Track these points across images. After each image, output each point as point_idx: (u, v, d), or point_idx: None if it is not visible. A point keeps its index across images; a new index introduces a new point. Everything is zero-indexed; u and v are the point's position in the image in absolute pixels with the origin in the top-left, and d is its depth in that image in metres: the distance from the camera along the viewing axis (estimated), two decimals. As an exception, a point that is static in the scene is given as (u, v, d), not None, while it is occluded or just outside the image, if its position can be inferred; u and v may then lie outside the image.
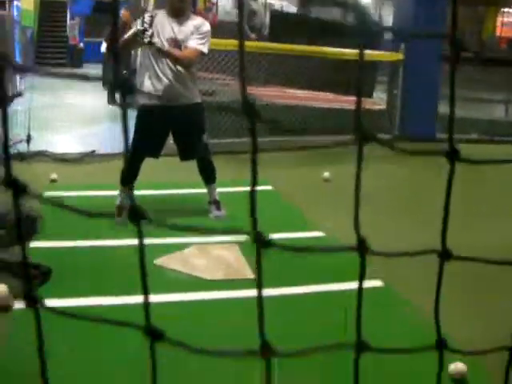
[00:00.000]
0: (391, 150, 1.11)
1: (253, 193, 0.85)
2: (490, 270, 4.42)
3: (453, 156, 1.02)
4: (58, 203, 0.93)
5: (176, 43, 5.39)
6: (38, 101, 10.18)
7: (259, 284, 0.92)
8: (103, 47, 17.01)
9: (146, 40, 5.19)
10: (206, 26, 5.51)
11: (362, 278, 0.96)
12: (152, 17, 5.28)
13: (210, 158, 5.73)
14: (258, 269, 0.89)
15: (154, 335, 0.94)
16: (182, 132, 5.57)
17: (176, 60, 5.36)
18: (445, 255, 1.10)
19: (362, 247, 0.96)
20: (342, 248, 0.98)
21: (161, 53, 5.30)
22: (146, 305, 0.94)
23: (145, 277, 0.92)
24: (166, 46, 5.34)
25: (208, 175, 5.74)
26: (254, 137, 0.88)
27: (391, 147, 1.03)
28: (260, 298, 0.95)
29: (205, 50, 5.45)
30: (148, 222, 0.92)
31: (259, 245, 0.89)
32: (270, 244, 0.90)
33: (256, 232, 0.89)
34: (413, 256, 1.14)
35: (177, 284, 4.31)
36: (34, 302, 0.90)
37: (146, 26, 5.17)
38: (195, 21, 5.50)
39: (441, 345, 1.15)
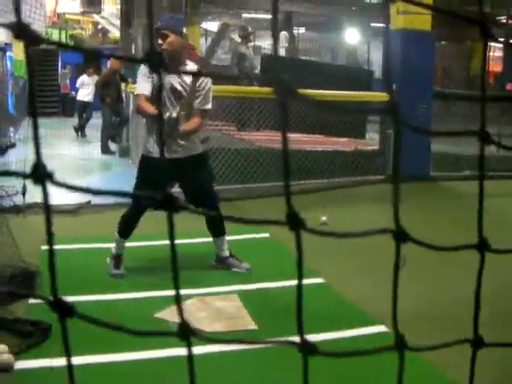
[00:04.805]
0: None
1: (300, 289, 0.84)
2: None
3: (482, 248, 1.00)
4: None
5: (177, 94, 5.31)
6: (32, 152, 10.17)
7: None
8: (82, 95, 17.00)
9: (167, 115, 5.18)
10: (206, 82, 5.43)
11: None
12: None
13: (218, 207, 5.55)
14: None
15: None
16: (190, 182, 5.45)
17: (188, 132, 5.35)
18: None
19: (401, 344, 0.94)
20: (381, 349, 0.96)
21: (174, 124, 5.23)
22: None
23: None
24: (168, 96, 5.27)
25: (216, 226, 5.58)
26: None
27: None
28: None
29: (209, 107, 5.46)
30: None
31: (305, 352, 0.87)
32: (317, 351, 0.88)
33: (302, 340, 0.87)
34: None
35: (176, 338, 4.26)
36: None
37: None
38: (191, 69, 5.46)
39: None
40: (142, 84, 5.31)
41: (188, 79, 5.33)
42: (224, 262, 5.67)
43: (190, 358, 0.87)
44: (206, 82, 5.41)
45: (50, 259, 0.87)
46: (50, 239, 0.85)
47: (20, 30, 0.73)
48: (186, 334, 0.87)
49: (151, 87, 5.26)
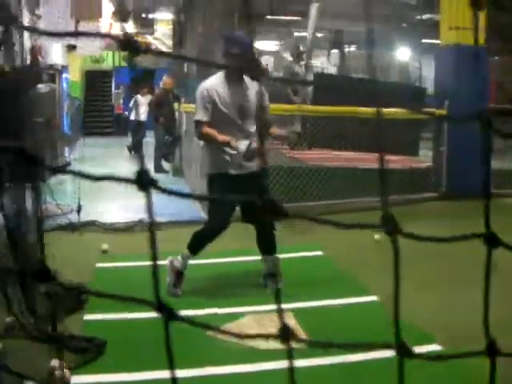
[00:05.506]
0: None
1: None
2: None
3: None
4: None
5: (246, 112, 5.30)
6: (87, 171, 10.35)
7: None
8: (135, 115, 17.20)
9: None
10: (266, 95, 5.63)
11: None
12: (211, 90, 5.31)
13: (272, 225, 5.46)
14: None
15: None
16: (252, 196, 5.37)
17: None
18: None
19: (491, 350, 0.92)
20: (473, 353, 0.94)
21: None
22: None
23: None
24: (235, 115, 5.28)
25: (268, 245, 5.45)
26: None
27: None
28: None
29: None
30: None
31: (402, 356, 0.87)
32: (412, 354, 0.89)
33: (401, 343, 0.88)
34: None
35: (232, 355, 4.25)
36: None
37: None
38: (253, 84, 5.40)
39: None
40: (202, 109, 5.27)
41: (251, 94, 5.33)
42: (263, 277, 5.65)
43: (291, 366, 0.89)
44: (266, 95, 5.62)
45: (154, 263, 0.90)
46: (154, 243, 0.89)
47: (126, 41, 0.76)
48: (287, 337, 0.89)
49: (211, 111, 5.25)
